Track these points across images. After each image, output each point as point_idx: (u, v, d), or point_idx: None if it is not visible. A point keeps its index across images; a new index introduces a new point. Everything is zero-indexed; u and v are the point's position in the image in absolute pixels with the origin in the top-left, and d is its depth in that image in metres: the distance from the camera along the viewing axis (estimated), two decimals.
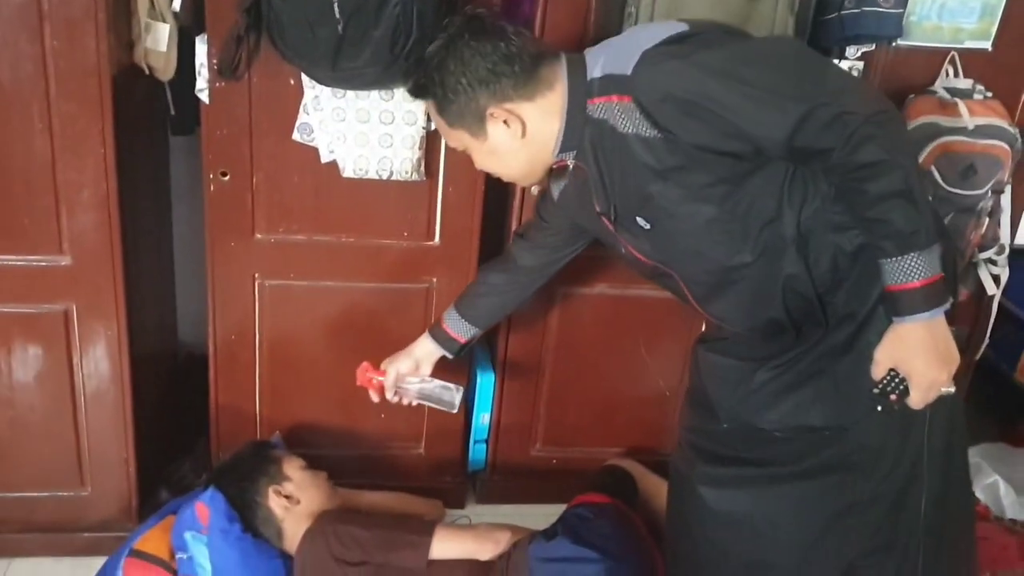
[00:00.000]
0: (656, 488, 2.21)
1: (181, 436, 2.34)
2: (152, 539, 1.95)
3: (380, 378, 1.96)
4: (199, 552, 1.89)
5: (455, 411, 1.99)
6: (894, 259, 1.31)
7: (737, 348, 1.57)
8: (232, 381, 2.12)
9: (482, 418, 2.30)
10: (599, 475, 2.22)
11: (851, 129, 1.27)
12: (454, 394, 1.99)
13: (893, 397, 1.41)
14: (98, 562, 1.99)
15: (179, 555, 1.90)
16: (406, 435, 2.27)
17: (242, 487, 1.95)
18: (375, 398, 1.99)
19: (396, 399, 1.98)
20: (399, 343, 2.00)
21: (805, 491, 1.50)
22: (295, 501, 1.95)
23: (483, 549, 1.90)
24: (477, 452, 2.35)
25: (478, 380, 2.26)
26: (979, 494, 2.32)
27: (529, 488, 2.36)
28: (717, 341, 1.62)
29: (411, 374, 1.97)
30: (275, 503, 1.94)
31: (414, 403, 2.00)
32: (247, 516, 1.94)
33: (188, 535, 1.90)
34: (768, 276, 1.47)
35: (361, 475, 2.23)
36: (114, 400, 1.99)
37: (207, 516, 1.89)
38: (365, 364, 1.99)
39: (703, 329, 1.68)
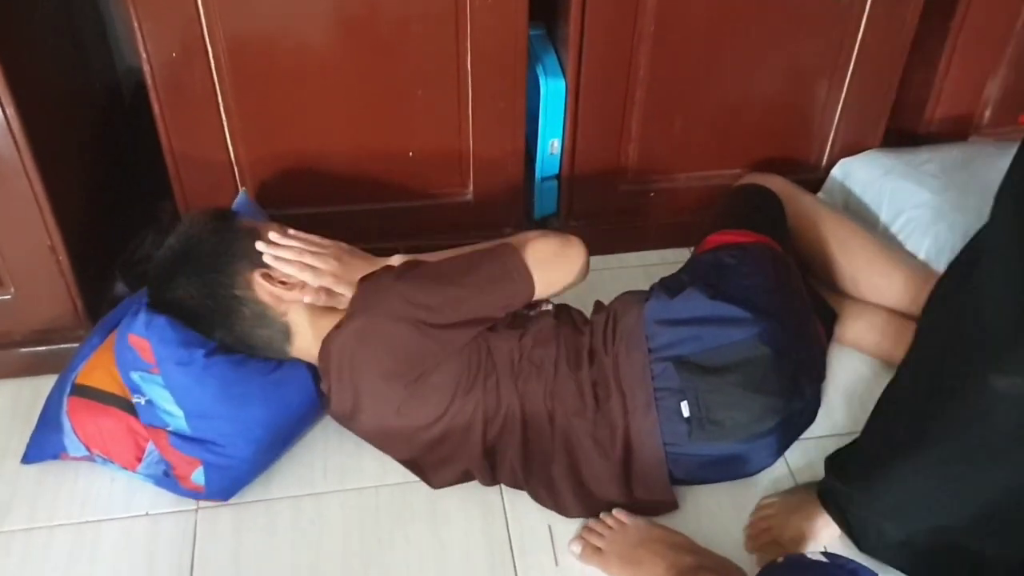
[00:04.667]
0: (811, 215, 1.58)
1: (139, 202, 1.72)
2: (99, 366, 1.38)
3: None
4: (158, 396, 1.31)
5: None
6: None
7: None
8: (187, 119, 1.50)
9: (551, 146, 1.66)
10: (732, 202, 1.58)
11: None
12: None
13: None
14: (45, 383, 1.46)
15: (136, 399, 1.33)
16: (447, 176, 1.64)
17: (206, 284, 1.32)
18: None
19: None
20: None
21: None
22: (293, 285, 1.33)
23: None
24: (546, 193, 1.73)
25: (543, 93, 1.59)
26: None
27: (619, 234, 1.81)
28: None
29: None
30: (266, 293, 1.32)
31: None
32: (222, 323, 1.33)
33: (136, 376, 1.32)
34: None
35: (386, 237, 1.60)
36: (10, 168, 1.35)
37: (149, 351, 1.29)
38: None
39: None
